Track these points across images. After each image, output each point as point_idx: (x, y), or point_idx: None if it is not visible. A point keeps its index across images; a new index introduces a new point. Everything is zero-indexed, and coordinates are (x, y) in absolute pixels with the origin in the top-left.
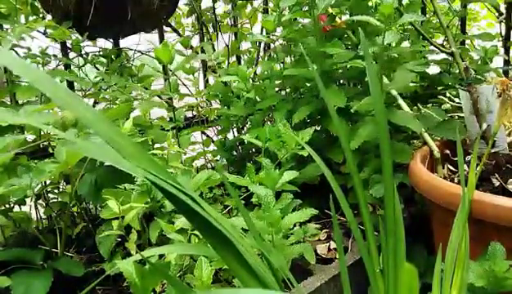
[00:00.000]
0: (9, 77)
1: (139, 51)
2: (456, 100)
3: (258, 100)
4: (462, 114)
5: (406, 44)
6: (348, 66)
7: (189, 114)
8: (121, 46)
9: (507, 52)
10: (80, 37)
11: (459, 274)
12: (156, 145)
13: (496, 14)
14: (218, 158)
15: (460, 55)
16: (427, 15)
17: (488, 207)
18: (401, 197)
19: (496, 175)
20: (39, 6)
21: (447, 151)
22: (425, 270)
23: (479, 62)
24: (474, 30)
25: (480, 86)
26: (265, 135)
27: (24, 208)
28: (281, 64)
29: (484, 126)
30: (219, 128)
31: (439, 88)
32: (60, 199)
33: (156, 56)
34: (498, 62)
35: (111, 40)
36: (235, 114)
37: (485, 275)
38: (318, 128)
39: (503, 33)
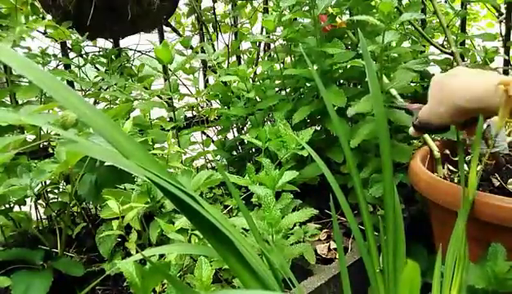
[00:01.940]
0: (9, 77)
1: (139, 51)
2: None
3: (258, 100)
4: None
5: (406, 44)
6: (348, 66)
7: (189, 114)
8: (121, 46)
9: (507, 52)
10: (80, 37)
11: (458, 275)
12: (156, 145)
13: (496, 14)
14: (218, 157)
15: (460, 55)
16: (427, 15)
17: (488, 207)
18: (401, 197)
19: (496, 175)
20: (39, 6)
21: (447, 151)
22: (425, 270)
23: (480, 62)
24: (474, 30)
25: None
26: (265, 135)
27: (24, 208)
28: (281, 64)
29: (484, 126)
30: (219, 128)
31: None
32: (60, 199)
33: (156, 56)
34: (498, 62)
35: (111, 40)
36: (235, 114)
37: (486, 276)
38: (318, 128)
39: (503, 33)
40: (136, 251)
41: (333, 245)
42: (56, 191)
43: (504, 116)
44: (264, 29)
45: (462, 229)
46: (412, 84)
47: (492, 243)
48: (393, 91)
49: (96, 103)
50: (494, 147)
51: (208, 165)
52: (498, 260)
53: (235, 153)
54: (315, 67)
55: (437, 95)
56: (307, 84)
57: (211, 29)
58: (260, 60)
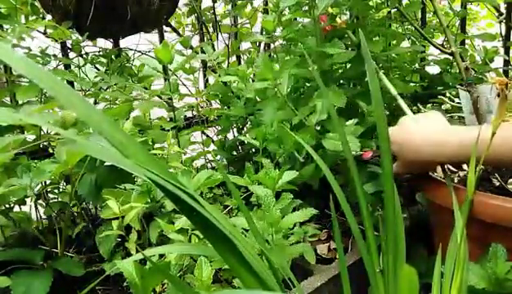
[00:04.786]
0: (9, 77)
1: (139, 51)
2: (456, 100)
3: (258, 100)
4: (462, 114)
5: (406, 44)
6: (348, 66)
7: (189, 114)
8: (121, 46)
9: (507, 52)
10: (80, 37)
11: (458, 275)
12: (156, 145)
13: (496, 14)
14: (218, 157)
15: (460, 55)
16: (427, 15)
17: (488, 206)
18: (402, 197)
19: (496, 175)
20: (39, 6)
21: None
22: (425, 270)
23: (479, 62)
24: (474, 30)
25: (480, 85)
26: (262, 134)
27: (24, 208)
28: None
29: (484, 125)
30: (219, 128)
31: (439, 88)
32: (60, 199)
33: (156, 56)
34: (498, 62)
35: (111, 40)
36: (235, 114)
37: (486, 277)
38: (318, 128)
39: (503, 33)
40: (137, 251)
41: (333, 245)
42: (56, 191)
43: (500, 116)
44: (264, 29)
45: (462, 229)
46: (412, 84)
47: (493, 244)
48: (393, 91)
49: (96, 103)
50: None
51: (208, 165)
52: (498, 260)
53: (235, 153)
54: (315, 67)
55: (402, 153)
56: (307, 84)
57: (211, 29)
58: None
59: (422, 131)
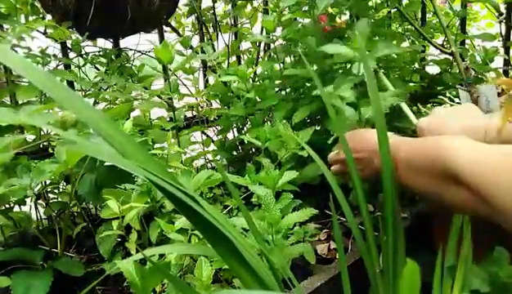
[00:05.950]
0: (9, 77)
1: (139, 51)
2: (456, 100)
3: (258, 100)
4: None
5: (406, 44)
6: (348, 66)
7: (189, 114)
8: (121, 46)
9: (507, 52)
10: (80, 37)
11: (461, 276)
12: (156, 145)
13: (496, 14)
14: (218, 157)
15: (460, 55)
16: (427, 15)
17: None
18: (403, 197)
19: None
20: (39, 6)
21: None
22: (426, 271)
23: (480, 62)
24: (474, 30)
25: (480, 85)
26: (264, 135)
27: (24, 208)
28: (281, 64)
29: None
30: (219, 128)
31: (439, 88)
32: (60, 199)
33: (156, 56)
34: (498, 62)
35: (111, 40)
36: (235, 114)
37: (490, 280)
38: (318, 128)
39: (503, 33)
40: (137, 251)
41: (333, 245)
42: (56, 191)
43: (506, 117)
44: (264, 29)
45: (467, 231)
46: (412, 84)
47: (496, 247)
48: (392, 89)
49: (96, 103)
50: None
51: (208, 165)
52: (503, 264)
53: (235, 153)
54: (314, 67)
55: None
56: (307, 84)
57: (211, 29)
58: (260, 60)
59: (460, 124)
